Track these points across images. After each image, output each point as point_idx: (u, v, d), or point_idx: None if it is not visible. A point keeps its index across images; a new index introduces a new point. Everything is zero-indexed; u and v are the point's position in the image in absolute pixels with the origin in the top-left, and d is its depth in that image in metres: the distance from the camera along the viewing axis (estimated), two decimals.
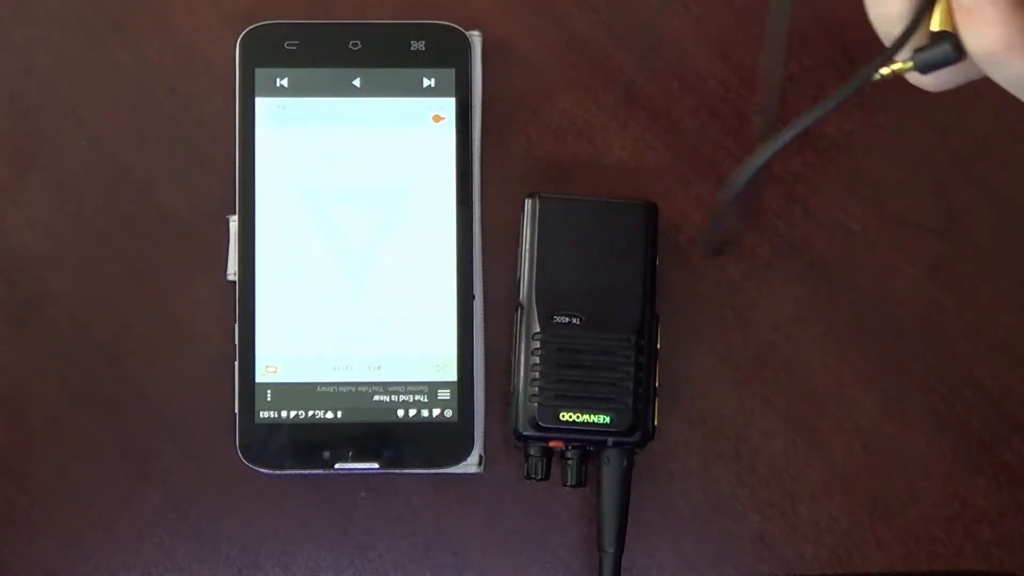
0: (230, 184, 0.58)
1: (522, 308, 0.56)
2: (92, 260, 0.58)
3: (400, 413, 0.57)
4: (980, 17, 0.41)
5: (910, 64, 0.43)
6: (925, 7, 0.42)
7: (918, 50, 0.42)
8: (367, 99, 0.58)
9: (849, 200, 0.59)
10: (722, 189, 0.47)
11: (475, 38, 0.59)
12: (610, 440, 0.55)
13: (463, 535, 0.58)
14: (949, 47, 0.42)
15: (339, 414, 0.57)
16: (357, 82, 0.58)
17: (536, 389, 0.55)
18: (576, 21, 0.60)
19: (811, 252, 0.59)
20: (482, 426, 0.57)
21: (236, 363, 0.57)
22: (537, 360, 0.55)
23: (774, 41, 0.48)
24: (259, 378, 0.57)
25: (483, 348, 0.58)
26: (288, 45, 0.58)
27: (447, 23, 0.58)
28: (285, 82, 0.58)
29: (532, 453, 0.56)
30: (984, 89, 0.48)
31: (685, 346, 0.58)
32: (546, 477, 0.56)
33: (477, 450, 0.57)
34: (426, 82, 0.58)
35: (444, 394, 0.57)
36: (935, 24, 0.42)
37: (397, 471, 0.57)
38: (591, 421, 0.55)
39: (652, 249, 0.57)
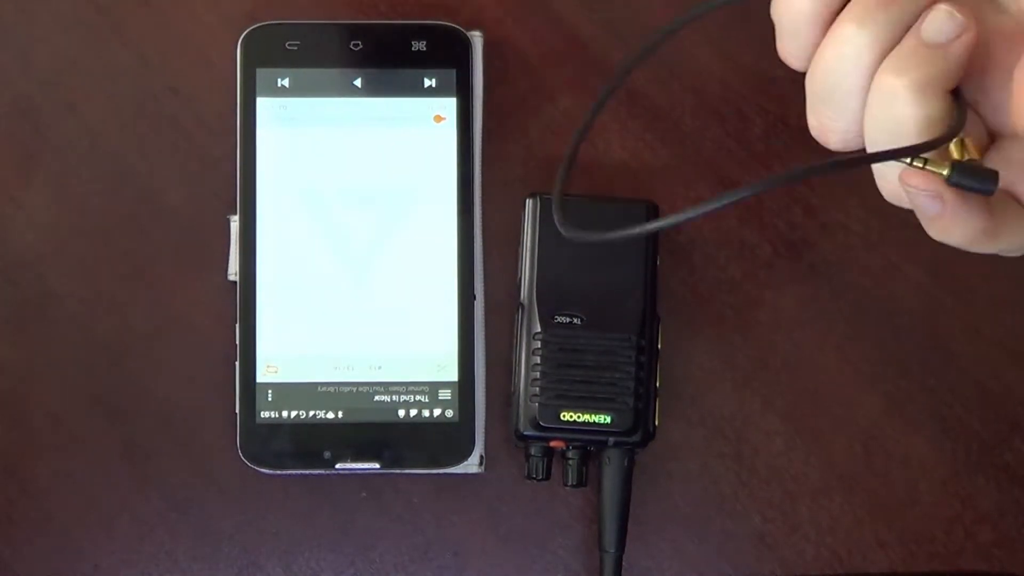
0: (231, 184, 0.58)
1: (523, 308, 0.56)
2: (93, 260, 0.58)
3: (401, 413, 0.57)
4: (944, 224, 0.42)
5: (945, 171, 0.42)
6: (958, 124, 0.42)
7: (959, 164, 0.42)
8: (368, 99, 0.58)
9: (849, 200, 0.59)
10: None
11: (476, 38, 0.59)
12: (611, 440, 0.56)
13: (463, 535, 0.58)
14: (992, 183, 0.41)
15: (340, 414, 0.57)
16: (358, 82, 0.58)
17: (537, 389, 0.55)
18: (576, 21, 0.60)
19: (811, 252, 0.59)
20: (483, 426, 0.57)
21: (237, 363, 0.57)
22: (538, 360, 0.55)
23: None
24: (260, 378, 0.57)
25: (484, 348, 0.58)
26: (289, 45, 0.58)
27: (448, 23, 0.58)
28: (286, 82, 0.58)
29: (533, 453, 0.56)
30: None
31: (685, 346, 0.58)
32: (547, 477, 0.56)
33: (478, 450, 0.57)
34: (427, 82, 0.58)
35: (445, 394, 0.57)
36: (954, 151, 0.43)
37: (398, 471, 0.57)
38: (592, 421, 0.55)
39: (653, 249, 0.57)
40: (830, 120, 0.45)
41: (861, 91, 0.43)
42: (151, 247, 0.58)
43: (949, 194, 0.42)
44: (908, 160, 0.42)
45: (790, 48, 0.46)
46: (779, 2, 0.45)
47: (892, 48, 0.43)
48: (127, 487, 0.57)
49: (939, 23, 0.42)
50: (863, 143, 0.44)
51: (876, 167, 0.45)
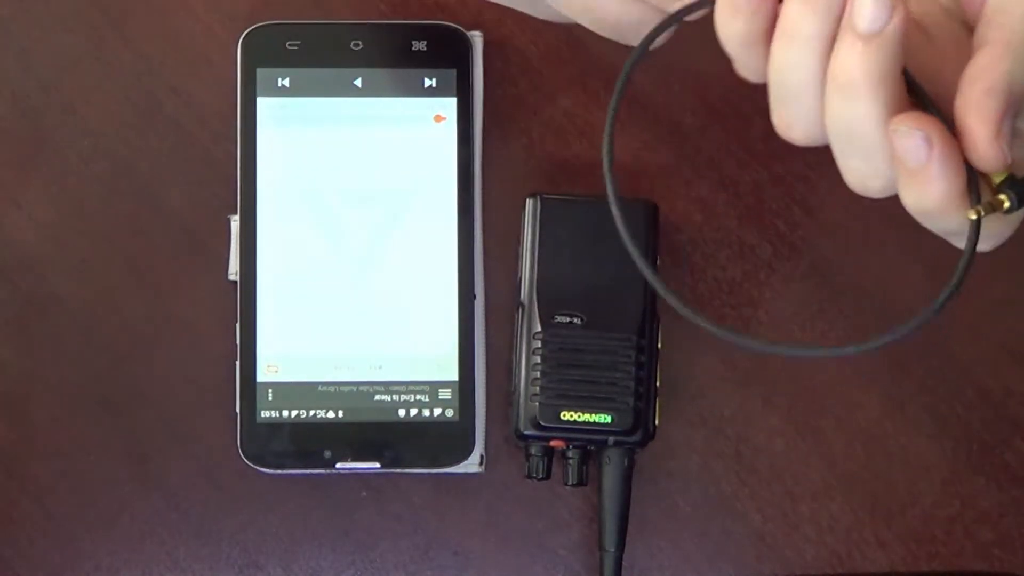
0: (231, 184, 0.58)
1: (523, 308, 0.56)
2: (93, 260, 0.58)
3: (401, 413, 0.57)
4: (925, 177, 0.42)
5: (1006, 204, 0.42)
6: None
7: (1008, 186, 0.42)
8: (368, 99, 0.58)
9: (849, 200, 0.59)
10: None
11: (476, 38, 0.59)
12: (611, 439, 0.56)
13: (464, 535, 0.58)
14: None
15: (340, 414, 0.57)
16: (358, 82, 0.58)
17: (537, 388, 0.55)
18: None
19: (811, 252, 0.59)
20: (483, 425, 0.57)
21: (237, 363, 0.57)
22: (538, 360, 0.55)
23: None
24: (260, 378, 0.57)
25: (484, 348, 0.58)
26: (290, 45, 0.58)
27: (448, 23, 0.58)
28: (287, 82, 0.58)
29: (533, 452, 0.56)
30: None
31: (686, 346, 0.58)
32: (547, 476, 0.56)
33: (478, 449, 0.57)
34: (427, 82, 0.58)
35: (445, 394, 0.57)
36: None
37: (398, 471, 0.57)
38: (592, 421, 0.55)
39: (653, 249, 0.57)
40: (791, 118, 0.44)
41: (814, 91, 0.43)
42: (151, 247, 0.58)
43: (939, 139, 0.41)
44: (977, 214, 0.42)
45: (741, 64, 0.45)
46: (720, 30, 0.45)
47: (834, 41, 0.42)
48: (127, 487, 0.57)
49: (866, 11, 0.41)
50: (827, 138, 0.44)
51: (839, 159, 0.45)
